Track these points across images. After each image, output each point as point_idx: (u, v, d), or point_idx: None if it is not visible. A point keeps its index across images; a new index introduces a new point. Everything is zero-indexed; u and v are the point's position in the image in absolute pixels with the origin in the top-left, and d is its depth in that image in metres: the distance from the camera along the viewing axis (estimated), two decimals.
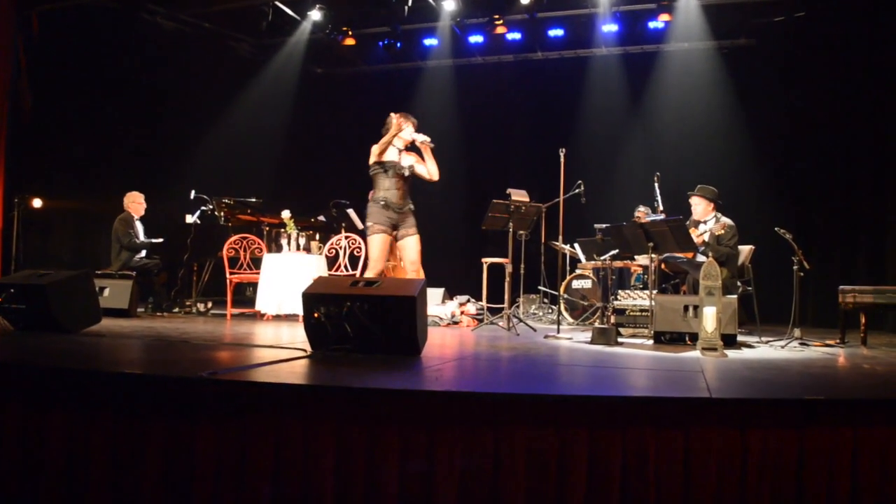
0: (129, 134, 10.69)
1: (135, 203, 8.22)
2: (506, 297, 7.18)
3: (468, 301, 7.99)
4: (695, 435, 2.78)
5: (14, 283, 5.28)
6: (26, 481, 3.18)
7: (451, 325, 7.42)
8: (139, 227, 8.23)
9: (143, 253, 8.15)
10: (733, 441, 2.77)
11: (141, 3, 10.23)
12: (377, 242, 6.12)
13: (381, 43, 11.35)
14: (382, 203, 6.12)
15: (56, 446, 3.15)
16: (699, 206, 7.02)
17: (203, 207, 8.48)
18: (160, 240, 8.20)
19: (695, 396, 2.94)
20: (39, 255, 9.90)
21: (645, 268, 7.80)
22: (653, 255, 6.12)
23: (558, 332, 6.37)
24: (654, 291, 6.10)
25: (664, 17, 10.14)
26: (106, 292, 7.13)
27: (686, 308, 5.61)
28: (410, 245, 6.14)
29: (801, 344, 5.88)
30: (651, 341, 5.73)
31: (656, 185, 7.65)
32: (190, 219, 8.42)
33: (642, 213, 8.33)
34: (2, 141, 9.36)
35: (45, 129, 9.90)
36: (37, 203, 9.67)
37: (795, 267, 6.16)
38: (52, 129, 10.00)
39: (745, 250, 7.13)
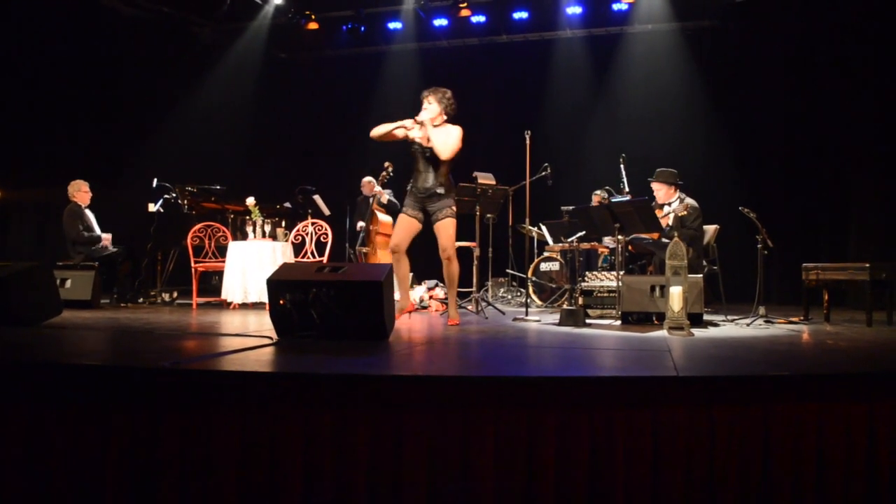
0: (90, 122, 10.44)
1: (80, 192, 7.97)
2: (474, 280, 7.16)
3: (436, 286, 7.95)
4: (662, 413, 2.78)
5: None
6: None
7: (420, 310, 7.39)
8: (90, 215, 8.00)
9: (98, 243, 7.96)
10: (701, 418, 2.78)
11: None
12: (398, 222, 5.74)
13: (344, 27, 11.24)
14: (411, 187, 5.68)
15: (14, 441, 3.07)
16: (661, 191, 7.05)
17: (166, 195, 8.32)
18: (96, 234, 7.97)
19: (662, 375, 2.95)
20: None
21: (612, 249, 7.83)
22: (619, 237, 6.14)
23: (527, 314, 6.37)
24: (622, 272, 6.12)
25: None
26: (68, 283, 6.99)
27: (653, 288, 5.65)
28: (439, 231, 5.58)
29: (766, 322, 5.94)
30: (619, 322, 5.76)
31: (622, 166, 7.67)
32: (153, 207, 8.26)
33: (598, 197, 8.36)
34: None
35: (2, 119, 9.64)
36: None
37: (759, 245, 6.21)
38: (10, 118, 9.73)
39: (710, 230, 7.19)
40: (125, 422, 2.96)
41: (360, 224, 9.04)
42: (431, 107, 5.62)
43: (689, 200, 6.87)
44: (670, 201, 6.98)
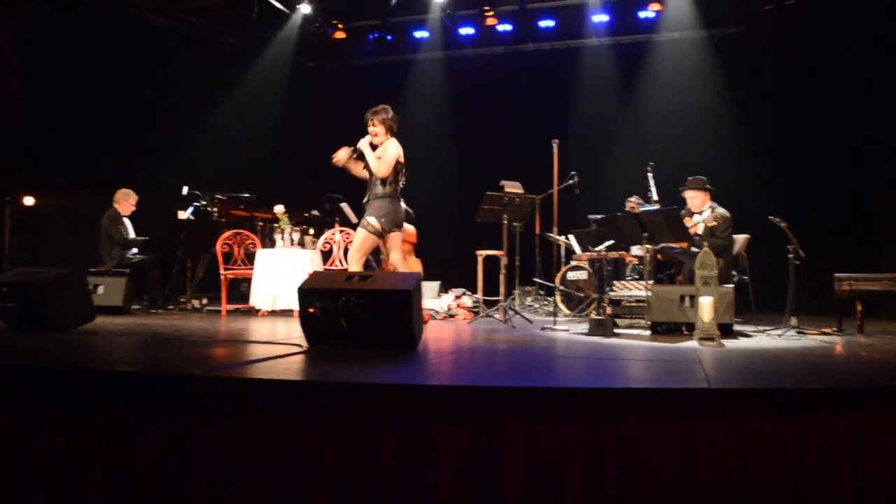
0: (121, 130, 10.59)
1: (127, 202, 8.14)
2: (501, 289, 7.15)
3: (464, 294, 7.96)
4: (694, 426, 2.76)
5: (6, 281, 5.23)
6: (17, 483, 3.15)
7: (447, 319, 7.40)
8: (128, 224, 8.14)
9: (135, 249, 8.08)
10: (733, 431, 2.76)
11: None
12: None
13: (371, 36, 11.30)
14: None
15: (46, 447, 3.12)
16: (696, 199, 6.95)
17: (196, 203, 8.41)
18: (145, 238, 8.12)
19: (694, 387, 2.93)
20: (32, 252, 9.84)
21: (640, 258, 7.79)
22: (648, 246, 6.10)
23: (555, 323, 6.35)
24: (650, 282, 6.09)
25: (654, 6, 10.14)
26: (100, 290, 7.08)
27: (682, 298, 5.60)
28: (354, 236, 5.98)
29: (798, 332, 5.87)
30: (648, 332, 5.72)
31: (649, 174, 7.63)
32: (183, 215, 8.35)
33: (633, 203, 8.31)
34: None
35: (36, 127, 9.82)
36: (28, 201, 9.58)
37: (791, 255, 6.14)
38: (43, 126, 9.90)
39: (740, 239, 7.12)
40: (157, 428, 3.00)
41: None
42: (377, 129, 6.00)
43: (720, 210, 6.81)
44: (702, 210, 6.91)
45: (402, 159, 5.98)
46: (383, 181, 5.88)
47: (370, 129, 5.99)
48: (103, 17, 10.06)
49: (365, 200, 6.00)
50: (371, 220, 5.80)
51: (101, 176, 10.14)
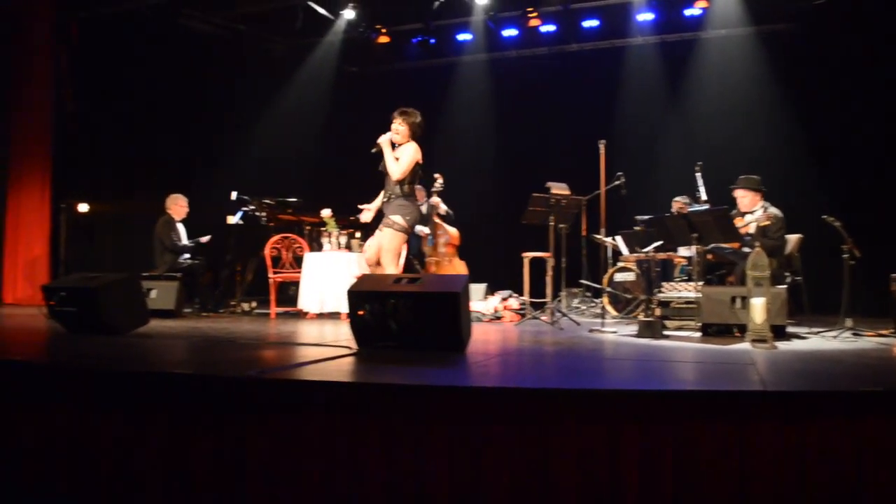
0: (170, 137, 10.83)
1: (177, 206, 8.31)
2: (548, 291, 7.13)
3: (510, 296, 7.95)
4: (749, 430, 2.72)
5: (65, 286, 5.37)
6: (77, 481, 3.24)
7: (494, 321, 7.40)
8: (181, 229, 8.32)
9: (187, 255, 8.26)
10: (789, 435, 2.71)
11: (176, 8, 10.37)
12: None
13: (414, 40, 11.37)
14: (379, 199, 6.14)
15: (107, 447, 3.21)
16: (745, 199, 6.83)
17: (245, 208, 8.56)
18: (207, 237, 8.27)
19: (749, 390, 2.89)
20: (86, 258, 10.09)
21: (689, 259, 7.70)
22: (697, 247, 6.03)
23: (603, 325, 6.31)
24: (700, 283, 6.01)
25: (701, 3, 10.02)
26: (153, 294, 7.23)
27: (734, 299, 5.51)
28: (379, 237, 5.90)
29: (854, 334, 5.73)
30: (698, 334, 5.65)
31: (698, 174, 7.54)
32: (232, 220, 8.50)
33: (681, 203, 8.21)
34: (47, 147, 9.58)
35: (89, 135, 10.09)
36: (83, 207, 9.84)
37: (846, 255, 6.00)
38: (96, 134, 10.18)
39: (793, 239, 6.98)
40: (213, 430, 3.06)
41: (421, 228, 9.01)
42: (401, 128, 5.94)
43: (773, 210, 6.68)
44: (753, 209, 6.80)
45: (420, 161, 5.96)
46: (401, 182, 5.87)
47: (395, 126, 5.95)
48: (153, 27, 10.31)
49: (385, 199, 5.94)
50: (397, 218, 5.76)
51: (152, 182, 10.38)
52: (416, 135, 6.00)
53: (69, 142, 9.87)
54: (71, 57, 9.80)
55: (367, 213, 6.21)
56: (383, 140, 5.91)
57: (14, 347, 4.58)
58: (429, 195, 8.73)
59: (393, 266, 5.78)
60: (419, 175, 6.04)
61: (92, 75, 9.96)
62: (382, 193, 5.98)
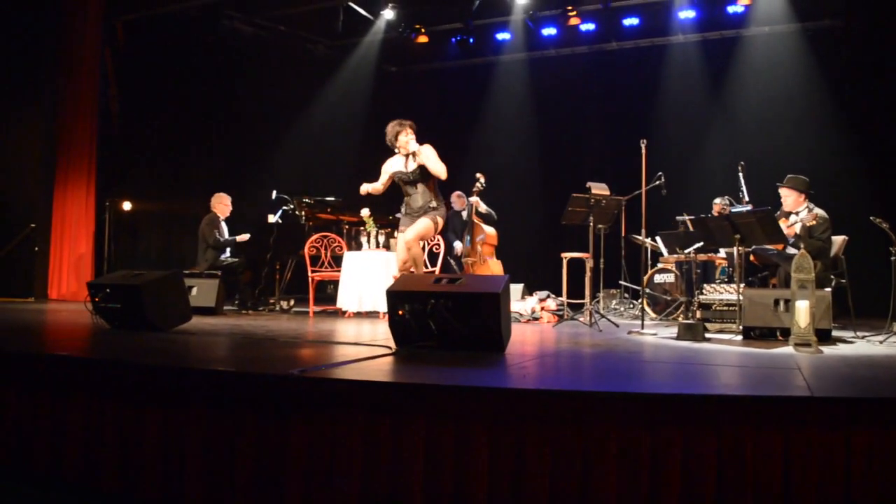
0: (212, 137, 11.00)
1: (221, 204, 8.45)
2: (586, 292, 7.09)
3: (548, 297, 7.92)
4: (795, 436, 2.68)
5: (110, 283, 5.48)
6: (124, 474, 3.31)
7: (532, 322, 7.38)
8: (224, 227, 8.44)
9: (228, 252, 8.37)
10: (837, 442, 2.66)
11: (219, 10, 10.51)
12: (397, 241, 6.32)
13: (453, 39, 11.40)
14: (403, 211, 6.29)
15: (152, 441, 3.27)
16: (790, 198, 6.73)
17: (284, 207, 8.65)
18: (246, 235, 8.39)
19: (795, 395, 2.84)
20: (130, 255, 10.29)
21: (730, 260, 7.59)
22: (739, 248, 5.94)
23: (642, 327, 6.25)
24: (742, 285, 5.92)
25: (744, 0, 9.84)
26: (194, 291, 7.35)
27: (777, 302, 5.42)
28: (416, 223, 6.11)
29: None
30: (740, 337, 5.57)
31: (741, 174, 7.43)
32: (272, 218, 8.61)
33: (720, 205, 8.11)
34: (93, 147, 9.79)
35: (133, 135, 10.28)
36: (126, 206, 10.04)
37: (894, 258, 5.87)
38: (139, 134, 10.37)
39: (838, 241, 6.84)
40: (255, 427, 3.11)
41: (458, 245, 9.10)
42: (411, 136, 6.13)
43: (818, 210, 6.56)
44: (798, 210, 6.68)
45: None
46: (429, 185, 6.15)
47: (407, 137, 6.12)
48: (195, 29, 10.47)
49: (430, 205, 6.14)
50: (439, 219, 6.15)
51: (193, 181, 10.56)
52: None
53: (113, 141, 10.08)
54: (116, 58, 10.00)
55: (366, 186, 6.39)
56: (415, 147, 6.08)
57: (59, 342, 4.69)
58: (469, 194, 8.75)
59: (417, 246, 6.12)
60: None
61: (136, 76, 10.15)
62: (413, 203, 6.18)
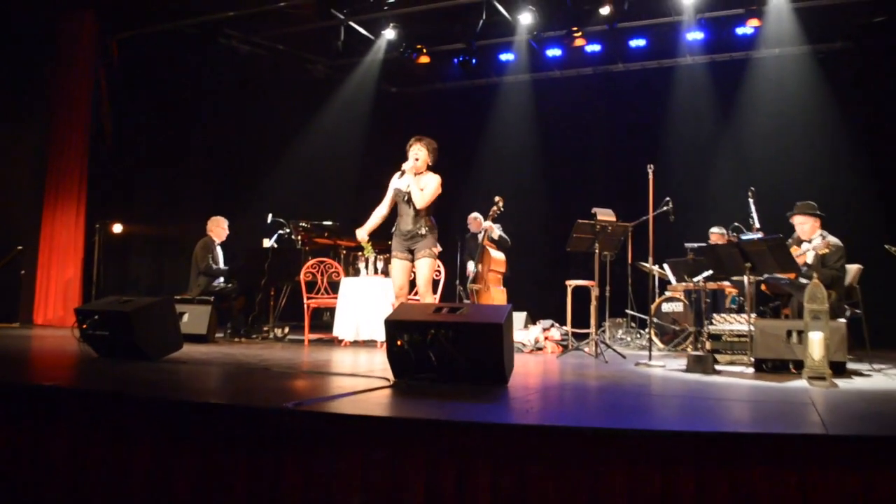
0: (206, 158, 11.04)
1: (218, 227, 8.45)
2: (592, 321, 7.07)
3: (552, 326, 7.89)
4: (811, 475, 2.64)
5: (98, 309, 5.45)
6: None
7: (535, 352, 7.35)
8: (219, 252, 8.43)
9: (221, 278, 8.35)
10: (855, 483, 2.62)
11: (217, 28, 10.58)
12: (392, 267, 6.17)
13: (455, 60, 11.45)
14: (394, 231, 6.17)
15: (140, 476, 3.23)
16: (806, 225, 6.71)
17: (280, 231, 8.66)
18: (226, 268, 8.38)
19: (810, 433, 2.81)
20: (120, 280, 10.29)
21: (740, 289, 7.57)
22: (750, 277, 5.93)
23: (650, 359, 6.22)
24: (753, 315, 5.90)
25: (753, 22, 9.91)
26: (185, 317, 7.32)
27: (789, 333, 5.40)
28: (416, 270, 6.01)
29: None
30: (751, 369, 5.54)
31: (751, 200, 7.43)
32: (267, 243, 8.61)
33: (717, 235, 8.10)
34: (84, 166, 9.81)
35: (125, 155, 10.32)
36: (117, 228, 10.03)
37: None
38: (132, 154, 10.41)
39: (853, 270, 6.83)
40: (248, 461, 3.07)
41: (471, 266, 9.07)
42: (421, 153, 6.04)
43: (832, 238, 6.55)
44: (811, 237, 6.67)
45: (440, 192, 6.11)
46: (426, 214, 6.03)
47: (414, 152, 6.06)
48: (191, 47, 10.53)
49: (412, 235, 6.01)
50: (435, 250, 6.03)
51: (186, 203, 10.57)
52: (435, 161, 6.15)
53: (105, 161, 10.11)
54: (110, 76, 10.06)
55: (362, 232, 6.35)
56: (409, 168, 6.03)
57: (44, 371, 4.66)
58: (486, 217, 8.73)
59: (430, 293, 6.01)
60: (436, 204, 6.15)
61: (130, 95, 10.22)
62: (403, 225, 6.06)
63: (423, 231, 5.97)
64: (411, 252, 6.04)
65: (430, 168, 6.12)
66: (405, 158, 6.11)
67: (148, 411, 3.31)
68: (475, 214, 9.52)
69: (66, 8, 9.78)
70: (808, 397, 3.94)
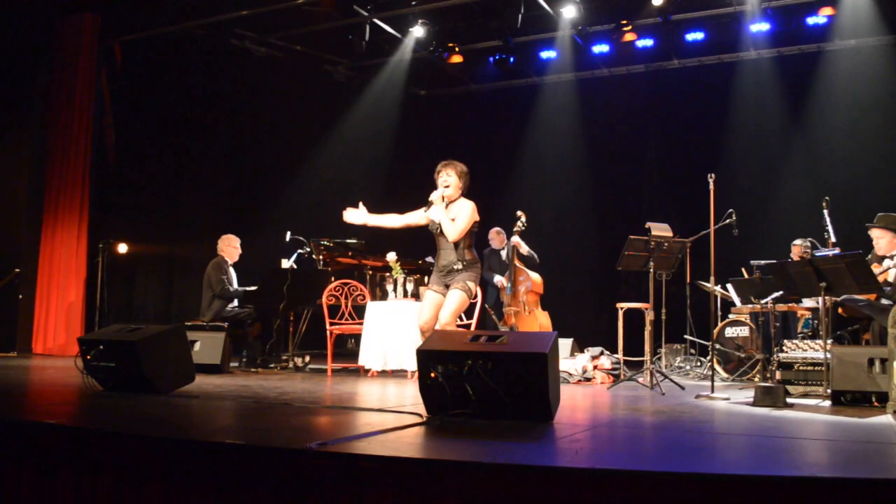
0: (219, 170, 11.17)
1: (230, 247, 8.51)
2: (646, 348, 7.03)
3: (602, 354, 7.85)
4: None
5: (103, 339, 5.53)
6: None
7: (583, 383, 7.32)
8: (232, 273, 8.50)
9: (236, 302, 8.43)
10: None
11: (229, 29, 10.73)
12: (423, 297, 6.22)
13: (491, 59, 11.49)
14: (434, 263, 6.21)
15: None
16: (882, 240, 6.66)
17: (300, 250, 8.72)
18: (253, 287, 8.44)
19: None
20: (125, 304, 10.43)
21: (814, 311, 7.49)
22: (826, 298, 5.87)
23: (712, 390, 6.17)
24: (829, 341, 5.83)
25: (826, 10, 9.84)
26: (197, 346, 7.40)
27: (871, 361, 5.33)
28: (448, 297, 5.93)
29: None
30: (828, 402, 5.47)
31: (825, 212, 7.36)
32: (286, 263, 8.67)
33: (799, 249, 8.02)
34: (86, 182, 9.95)
35: (130, 169, 10.48)
36: (122, 248, 10.16)
37: None
38: (137, 168, 10.56)
39: None
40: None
41: (500, 279, 9.05)
42: (451, 179, 6.01)
43: None
44: (892, 253, 6.60)
45: (477, 219, 6.03)
46: (462, 245, 5.96)
47: (443, 179, 6.03)
48: (201, 49, 10.69)
49: (449, 270, 5.96)
50: (471, 284, 5.94)
51: (198, 220, 10.69)
52: (467, 186, 6.11)
53: (108, 175, 10.27)
54: (112, 83, 10.24)
55: (351, 214, 6.46)
56: (436, 198, 6.01)
57: (45, 408, 4.75)
58: (509, 235, 8.77)
59: (454, 327, 5.97)
60: (475, 233, 6.11)
61: (134, 103, 10.39)
62: (440, 259, 6.05)
63: (460, 266, 5.91)
64: (447, 287, 6.00)
65: (462, 194, 6.08)
66: (436, 163, 6.11)
67: (157, 452, 3.37)
68: (497, 229, 9.56)
69: (63, 11, 9.97)
70: (894, 435, 3.89)
